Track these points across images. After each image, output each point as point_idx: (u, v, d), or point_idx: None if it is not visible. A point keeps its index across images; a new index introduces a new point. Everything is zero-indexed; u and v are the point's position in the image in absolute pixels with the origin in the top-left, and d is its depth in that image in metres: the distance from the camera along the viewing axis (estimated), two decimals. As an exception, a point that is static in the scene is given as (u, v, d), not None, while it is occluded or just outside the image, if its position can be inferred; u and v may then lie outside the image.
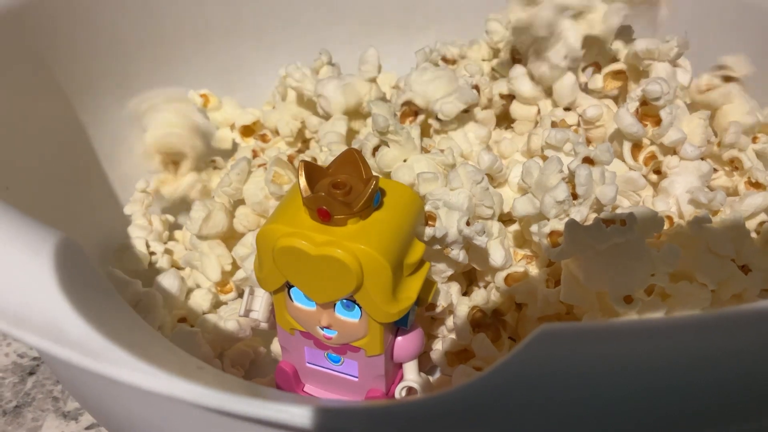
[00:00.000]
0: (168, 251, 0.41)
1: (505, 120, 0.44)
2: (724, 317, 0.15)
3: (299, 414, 0.15)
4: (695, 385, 0.15)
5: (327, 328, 0.29)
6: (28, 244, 0.17)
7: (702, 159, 0.37)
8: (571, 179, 0.31)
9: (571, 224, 0.29)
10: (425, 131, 0.38)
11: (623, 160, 0.37)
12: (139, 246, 0.40)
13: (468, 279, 0.37)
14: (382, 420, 0.15)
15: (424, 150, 0.34)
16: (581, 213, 0.31)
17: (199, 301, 0.38)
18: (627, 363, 0.15)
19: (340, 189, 0.26)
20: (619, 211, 0.32)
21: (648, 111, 0.36)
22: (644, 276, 0.29)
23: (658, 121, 0.36)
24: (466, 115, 0.37)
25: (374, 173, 0.27)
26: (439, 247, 0.30)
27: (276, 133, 0.47)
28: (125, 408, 0.22)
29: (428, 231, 0.29)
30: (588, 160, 0.32)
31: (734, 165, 0.38)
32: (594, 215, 0.32)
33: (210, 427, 0.20)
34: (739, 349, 0.15)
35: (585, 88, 0.42)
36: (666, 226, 0.33)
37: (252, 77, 0.51)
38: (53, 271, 0.17)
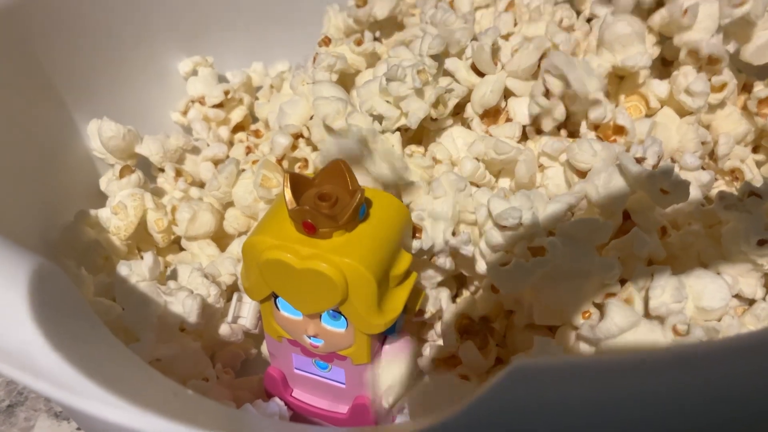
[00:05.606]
0: (160, 251, 0.41)
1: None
2: (693, 354, 0.15)
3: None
4: (667, 424, 0.15)
5: (314, 337, 0.29)
6: (1, 270, 0.17)
7: (702, 168, 0.36)
8: None
9: (491, 267, 0.29)
10: (417, 137, 0.37)
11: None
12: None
13: (458, 283, 0.37)
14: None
15: (408, 156, 0.34)
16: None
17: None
18: (597, 400, 0.15)
19: (326, 201, 0.26)
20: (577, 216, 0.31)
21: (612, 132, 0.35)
22: (593, 289, 0.29)
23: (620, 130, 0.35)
24: (455, 117, 0.37)
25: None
26: (426, 257, 0.30)
27: (268, 126, 0.46)
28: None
29: (415, 243, 0.29)
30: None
31: (735, 175, 0.37)
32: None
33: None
34: (711, 387, 0.15)
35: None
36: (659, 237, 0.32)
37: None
38: (27, 298, 0.16)
